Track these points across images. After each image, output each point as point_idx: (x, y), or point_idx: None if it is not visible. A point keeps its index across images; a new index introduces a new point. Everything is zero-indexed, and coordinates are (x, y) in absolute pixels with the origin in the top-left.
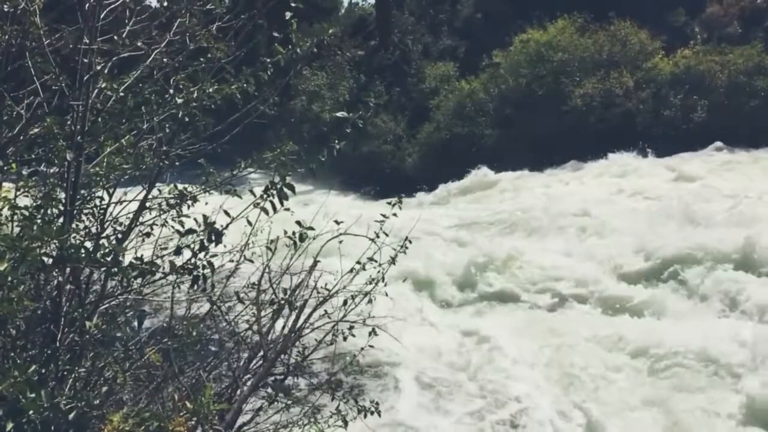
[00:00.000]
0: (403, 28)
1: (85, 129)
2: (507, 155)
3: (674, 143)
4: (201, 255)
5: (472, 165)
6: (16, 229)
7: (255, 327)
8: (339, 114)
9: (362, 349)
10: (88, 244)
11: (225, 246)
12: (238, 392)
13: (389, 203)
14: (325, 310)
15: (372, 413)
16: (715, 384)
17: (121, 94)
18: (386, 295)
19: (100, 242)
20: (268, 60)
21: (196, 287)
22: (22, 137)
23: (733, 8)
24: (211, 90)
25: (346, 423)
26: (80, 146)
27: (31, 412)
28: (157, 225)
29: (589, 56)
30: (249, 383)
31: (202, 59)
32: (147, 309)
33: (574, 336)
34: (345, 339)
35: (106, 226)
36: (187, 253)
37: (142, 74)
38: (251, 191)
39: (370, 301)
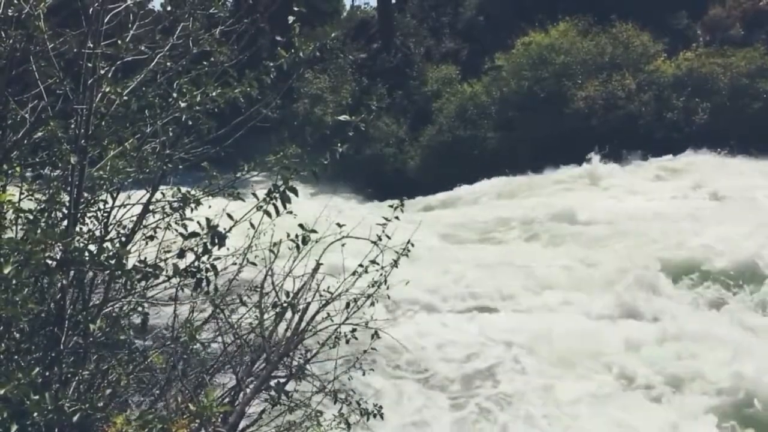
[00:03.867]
0: (405, 31)
1: (88, 133)
2: (509, 158)
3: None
4: (204, 258)
5: (474, 167)
6: (21, 233)
7: (258, 330)
8: (341, 117)
9: (365, 351)
10: (92, 247)
11: (228, 249)
12: (241, 395)
13: (391, 206)
14: (328, 313)
15: (375, 416)
16: None
17: (125, 97)
18: (388, 297)
19: (104, 245)
20: (271, 63)
21: (199, 290)
22: (26, 141)
23: (735, 10)
24: (214, 93)
25: (348, 426)
26: (84, 150)
27: (35, 414)
28: (160, 228)
29: (591, 59)
30: (252, 386)
31: (205, 63)
32: (150, 312)
33: None
34: (347, 342)
35: (109, 229)
36: (190, 256)
37: (146, 78)
38: (254, 194)
39: (372, 304)
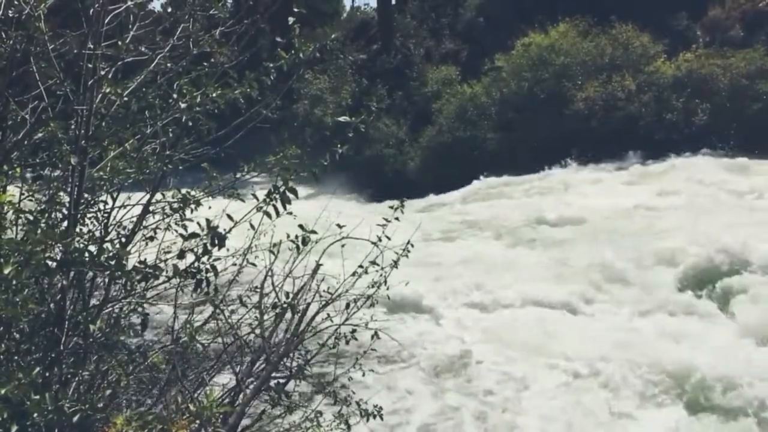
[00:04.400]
0: (405, 32)
1: (89, 133)
2: (509, 159)
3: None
4: (204, 259)
5: (474, 168)
6: (21, 233)
7: (258, 330)
8: (341, 118)
9: (365, 352)
10: (92, 248)
11: (228, 250)
12: (241, 395)
13: (391, 207)
14: (328, 314)
15: (374, 417)
16: None
17: (125, 98)
18: (388, 298)
19: (104, 246)
20: (271, 65)
21: (199, 291)
22: (26, 142)
23: (735, 11)
24: (214, 94)
25: (348, 426)
26: (84, 150)
27: (35, 414)
28: (160, 229)
29: (591, 60)
30: (252, 386)
31: (205, 64)
32: (150, 312)
33: None
34: (347, 343)
35: (110, 229)
36: (190, 257)
37: (146, 79)
38: (254, 195)
39: (372, 305)
